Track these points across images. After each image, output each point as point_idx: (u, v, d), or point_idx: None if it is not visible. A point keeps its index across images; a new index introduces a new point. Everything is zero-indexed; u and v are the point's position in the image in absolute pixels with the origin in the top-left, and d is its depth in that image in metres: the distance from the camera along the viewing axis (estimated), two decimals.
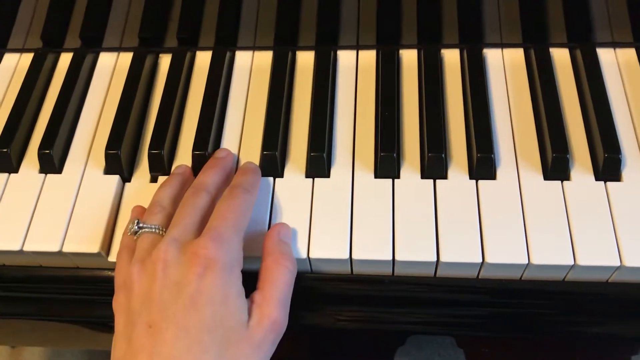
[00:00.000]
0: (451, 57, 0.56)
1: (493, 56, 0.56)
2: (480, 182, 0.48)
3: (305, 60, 0.57)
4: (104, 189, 0.50)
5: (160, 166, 0.51)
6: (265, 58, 0.57)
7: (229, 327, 0.40)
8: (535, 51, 0.55)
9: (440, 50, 0.56)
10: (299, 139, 0.52)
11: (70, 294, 0.51)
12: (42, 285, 0.51)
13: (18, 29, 0.59)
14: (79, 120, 0.55)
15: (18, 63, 0.60)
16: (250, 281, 0.44)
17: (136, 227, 0.44)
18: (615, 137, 0.48)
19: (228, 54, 0.57)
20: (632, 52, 0.55)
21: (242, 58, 0.58)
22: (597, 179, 0.48)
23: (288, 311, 0.43)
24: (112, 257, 0.47)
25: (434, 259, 0.44)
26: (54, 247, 0.47)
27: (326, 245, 0.46)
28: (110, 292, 0.45)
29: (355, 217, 0.47)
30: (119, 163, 0.51)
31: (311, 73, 0.56)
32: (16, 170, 0.52)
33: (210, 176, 0.47)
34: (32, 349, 1.07)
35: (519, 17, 0.55)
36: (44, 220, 0.49)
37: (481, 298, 0.48)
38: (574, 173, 0.48)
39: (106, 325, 0.53)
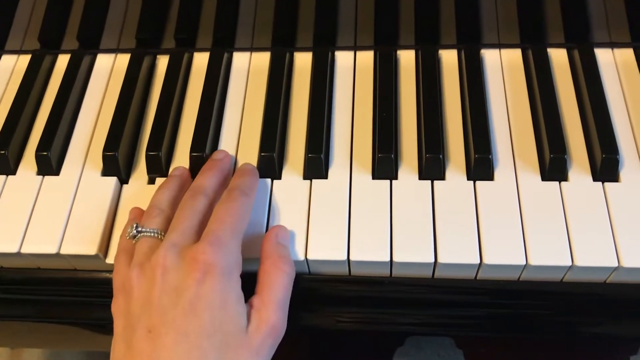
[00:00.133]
0: (449, 58, 0.56)
1: (491, 57, 0.56)
2: (478, 183, 0.48)
3: (302, 61, 0.57)
4: (101, 191, 0.50)
5: (157, 168, 0.51)
6: (262, 59, 0.57)
7: (228, 332, 0.40)
8: (533, 51, 0.55)
9: (437, 51, 0.56)
10: (296, 140, 0.52)
11: (69, 296, 0.51)
12: (40, 287, 0.51)
13: (16, 31, 0.59)
14: (77, 121, 0.55)
15: (16, 64, 0.60)
16: (250, 283, 0.44)
17: (135, 231, 0.44)
18: (613, 138, 0.48)
19: (225, 55, 0.57)
20: (629, 52, 0.55)
21: (240, 59, 0.58)
22: (594, 179, 0.48)
23: (287, 315, 0.43)
24: (110, 259, 0.47)
25: (432, 260, 0.44)
26: (51, 249, 0.47)
27: (324, 246, 0.46)
28: (109, 294, 0.45)
29: (353, 218, 0.47)
30: (116, 165, 0.51)
31: (309, 74, 0.55)
32: (14, 172, 0.52)
33: (208, 179, 0.47)
34: (32, 350, 1.07)
35: (517, 17, 0.55)
36: (42, 222, 0.49)
37: (479, 299, 0.48)
38: (571, 174, 0.48)
39: (105, 327, 0.53)
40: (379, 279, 0.47)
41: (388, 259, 0.45)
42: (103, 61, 0.59)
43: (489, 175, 0.48)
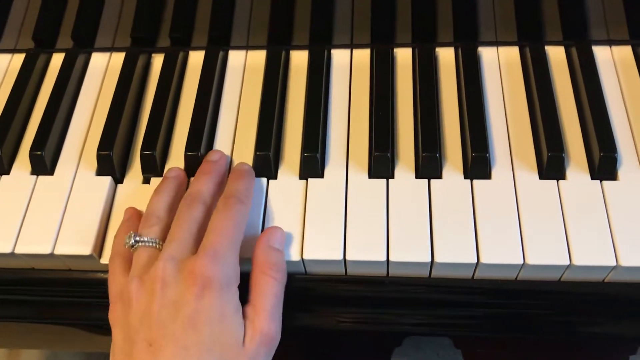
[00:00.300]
0: (446, 56, 0.56)
1: (488, 54, 0.55)
2: (475, 181, 0.47)
3: (299, 59, 0.57)
4: (96, 191, 0.50)
5: (152, 167, 0.50)
6: (258, 57, 0.57)
7: (226, 344, 0.40)
8: (530, 49, 0.54)
9: (434, 49, 0.55)
10: (292, 139, 0.52)
11: (65, 297, 0.51)
12: (36, 288, 0.51)
13: (10, 30, 0.59)
14: (71, 121, 0.55)
15: (10, 64, 0.59)
16: (245, 283, 0.44)
17: (133, 241, 0.44)
18: (611, 136, 0.48)
19: (221, 54, 0.57)
20: (628, 49, 0.55)
21: (235, 58, 0.57)
22: (593, 177, 0.47)
23: (280, 321, 0.44)
24: (105, 259, 0.47)
25: (429, 259, 0.44)
26: (45, 250, 0.47)
27: (320, 246, 0.45)
28: (104, 295, 0.45)
29: (349, 217, 0.46)
30: (111, 164, 0.50)
31: (305, 72, 0.55)
32: (7, 172, 0.52)
33: (204, 184, 0.46)
34: (29, 351, 1.07)
35: (514, 15, 0.55)
36: (36, 222, 0.48)
37: (477, 299, 0.48)
38: (569, 172, 0.48)
39: (101, 327, 0.53)
40: (378, 279, 0.47)
41: (384, 259, 0.44)
42: (98, 60, 0.59)
43: (486, 174, 0.48)
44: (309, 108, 0.52)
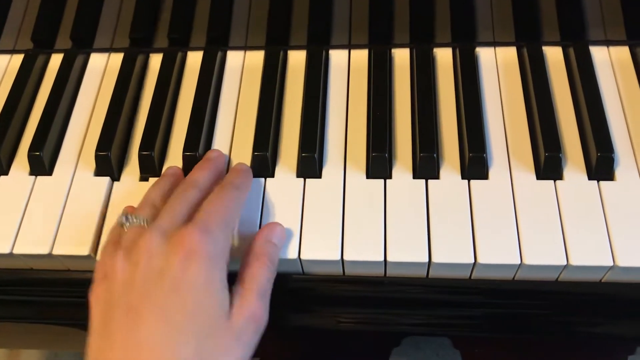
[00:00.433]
0: (444, 56, 0.56)
1: (486, 55, 0.56)
2: (473, 182, 0.48)
3: (296, 59, 0.57)
4: (94, 191, 0.50)
5: (150, 168, 0.51)
6: (256, 58, 0.57)
7: (210, 316, 0.39)
8: (528, 50, 0.54)
9: (432, 49, 0.56)
10: (290, 139, 0.52)
11: (64, 297, 0.51)
12: (35, 288, 0.51)
13: (8, 30, 0.59)
14: (70, 121, 0.55)
15: (8, 64, 0.60)
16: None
17: (124, 219, 0.43)
18: (608, 136, 0.48)
19: (219, 54, 0.57)
20: (625, 50, 0.55)
21: (234, 58, 0.57)
22: (590, 178, 0.48)
23: (268, 306, 0.42)
24: None
25: (426, 259, 0.44)
26: (44, 250, 0.47)
27: (317, 246, 0.45)
28: None
29: (347, 218, 0.46)
30: (109, 165, 0.50)
31: (303, 73, 0.55)
32: (6, 172, 0.52)
33: (201, 174, 0.47)
34: (29, 351, 1.07)
35: (512, 15, 0.55)
36: (34, 222, 0.48)
37: (475, 299, 0.48)
38: (566, 172, 0.48)
39: None
40: (376, 279, 0.47)
41: (382, 259, 0.45)
42: (96, 60, 0.59)
43: (483, 174, 0.48)
44: (307, 108, 0.52)
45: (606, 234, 0.44)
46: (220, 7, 0.57)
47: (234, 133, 0.52)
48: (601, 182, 0.47)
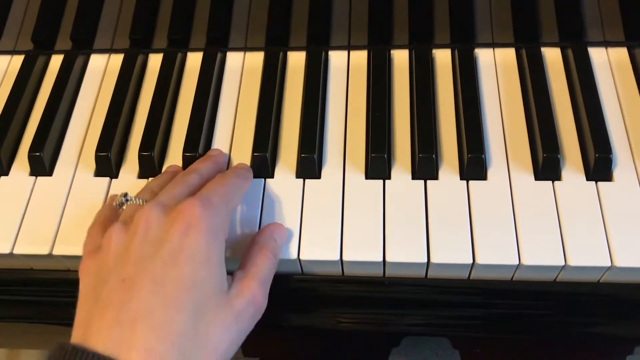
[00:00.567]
0: (442, 57, 0.56)
1: (484, 56, 0.56)
2: (471, 182, 0.48)
3: (296, 60, 0.57)
4: (94, 192, 0.50)
5: (150, 168, 0.51)
6: (256, 59, 0.57)
7: (209, 289, 0.38)
8: (526, 51, 0.54)
9: (431, 51, 0.56)
10: (290, 140, 0.52)
11: (64, 297, 0.51)
12: (34, 288, 0.51)
13: (9, 31, 0.59)
14: (70, 122, 0.55)
15: (9, 65, 0.60)
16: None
17: (123, 199, 0.43)
18: (606, 137, 0.48)
19: (219, 55, 0.57)
20: (623, 51, 0.55)
21: (233, 59, 0.58)
22: (588, 179, 0.48)
23: (267, 296, 0.42)
24: None
25: (425, 260, 0.44)
26: (44, 250, 0.47)
27: (317, 246, 0.46)
28: None
29: (346, 218, 0.46)
30: (109, 165, 0.51)
31: (302, 74, 0.55)
32: (6, 173, 0.52)
33: (202, 164, 0.47)
34: (29, 351, 1.07)
35: (511, 16, 0.55)
36: (35, 223, 0.49)
37: (474, 299, 0.48)
38: (565, 173, 0.48)
39: None
40: (376, 279, 0.47)
41: (381, 259, 0.45)
42: (97, 61, 0.59)
43: (482, 175, 0.48)
44: (306, 109, 0.52)
45: (604, 234, 0.44)
46: (220, 9, 0.57)
47: (233, 134, 0.53)
48: (599, 183, 0.47)
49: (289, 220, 0.47)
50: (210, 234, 0.39)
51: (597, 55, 0.55)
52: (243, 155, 0.51)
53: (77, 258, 0.47)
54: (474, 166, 0.48)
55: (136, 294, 0.36)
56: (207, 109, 0.53)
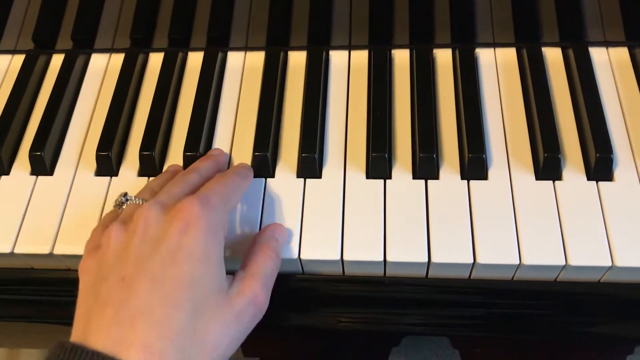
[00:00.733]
0: (443, 57, 0.56)
1: (485, 56, 0.56)
2: (472, 182, 0.48)
3: (297, 60, 0.57)
4: (95, 191, 0.50)
5: (151, 167, 0.51)
6: (257, 59, 0.57)
7: (207, 287, 0.38)
8: (527, 51, 0.55)
9: (432, 50, 0.56)
10: (290, 139, 0.52)
11: (65, 296, 0.51)
12: (35, 288, 0.51)
13: (10, 31, 0.59)
14: (71, 121, 0.55)
15: (10, 64, 0.60)
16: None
17: (123, 199, 0.43)
18: (607, 137, 0.48)
19: (220, 55, 0.57)
20: (624, 51, 0.55)
21: (234, 59, 0.58)
22: (589, 178, 0.48)
23: (269, 295, 0.42)
24: None
25: (426, 259, 0.44)
26: (44, 249, 0.47)
27: (317, 246, 0.46)
28: None
29: (347, 218, 0.46)
30: (110, 165, 0.51)
31: (303, 73, 0.55)
32: (7, 172, 0.52)
33: (202, 163, 0.47)
34: (29, 351, 1.07)
35: (512, 16, 0.55)
36: (35, 222, 0.49)
37: (474, 298, 0.48)
38: (565, 173, 0.48)
39: None
40: (376, 279, 0.47)
41: (382, 259, 0.45)
42: (97, 61, 0.59)
43: (482, 175, 0.48)
44: (307, 109, 0.52)
45: (605, 234, 0.45)
46: (220, 8, 0.57)
47: (234, 133, 0.53)
48: (600, 183, 0.47)
49: (290, 219, 0.47)
50: (209, 233, 0.39)
51: (598, 55, 0.55)
52: (244, 154, 0.51)
53: (77, 257, 0.47)
54: (474, 166, 0.48)
55: (135, 292, 0.36)
56: (208, 108, 0.53)
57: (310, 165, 0.49)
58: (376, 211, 0.47)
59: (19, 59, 0.59)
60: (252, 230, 0.47)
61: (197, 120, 0.52)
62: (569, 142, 0.50)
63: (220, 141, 0.52)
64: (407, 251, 0.45)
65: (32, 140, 0.52)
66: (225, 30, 0.58)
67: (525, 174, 0.48)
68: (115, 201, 0.44)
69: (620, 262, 0.43)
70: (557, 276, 0.45)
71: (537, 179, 0.48)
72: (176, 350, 0.35)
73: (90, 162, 0.52)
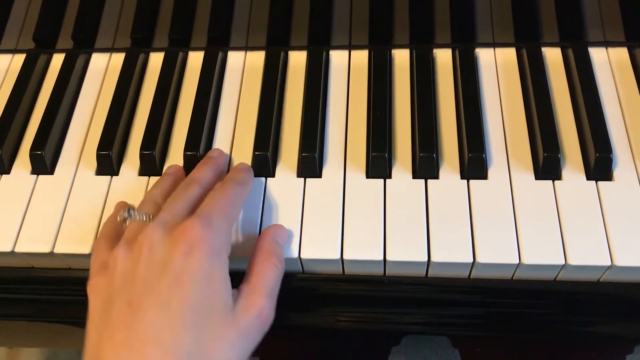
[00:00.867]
0: (443, 57, 0.56)
1: (485, 56, 0.56)
2: (472, 181, 0.48)
3: (297, 60, 0.57)
4: (95, 190, 0.50)
5: (151, 167, 0.51)
6: (257, 58, 0.57)
7: (213, 308, 0.39)
8: (527, 51, 0.55)
9: (432, 50, 0.56)
10: (290, 139, 0.52)
11: (65, 295, 0.51)
12: (35, 287, 0.51)
13: (10, 30, 0.59)
14: (71, 120, 0.55)
15: (10, 64, 0.60)
16: (237, 281, 0.43)
17: (126, 214, 0.43)
18: (606, 137, 0.48)
19: (220, 54, 0.57)
20: (624, 51, 0.55)
21: (235, 58, 0.58)
22: (588, 178, 0.48)
23: (275, 305, 0.43)
24: None
25: (425, 259, 0.44)
26: (45, 248, 0.47)
27: (317, 245, 0.46)
28: None
29: (347, 217, 0.47)
30: (110, 164, 0.51)
31: (303, 73, 0.55)
32: (8, 171, 0.52)
33: (202, 171, 0.47)
34: (29, 349, 1.07)
35: (512, 16, 0.55)
36: (36, 221, 0.49)
37: (474, 298, 0.48)
38: (565, 172, 0.48)
39: None
40: (376, 278, 0.47)
41: (381, 258, 0.45)
42: (98, 60, 0.59)
43: (482, 174, 0.48)
44: (307, 108, 0.52)
45: (604, 233, 0.45)
46: (221, 8, 0.57)
47: (234, 133, 0.53)
48: (599, 183, 0.47)
49: (290, 218, 0.47)
50: (213, 253, 0.40)
51: (598, 55, 0.55)
52: (244, 154, 0.51)
53: (78, 256, 0.47)
54: (474, 165, 0.48)
55: (142, 316, 0.37)
56: (208, 108, 0.53)
57: (311, 164, 0.49)
58: (376, 210, 0.47)
59: (20, 59, 0.59)
60: (252, 229, 0.47)
61: (197, 120, 0.52)
62: (569, 142, 0.50)
63: (221, 140, 0.52)
64: (407, 250, 0.45)
65: (33, 140, 0.52)
66: (226, 30, 0.58)
67: (524, 174, 0.48)
68: (119, 216, 0.44)
69: (619, 262, 0.43)
70: (557, 276, 0.45)
71: (536, 178, 0.48)
72: None
73: (90, 161, 0.52)
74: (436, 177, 0.48)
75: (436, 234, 0.45)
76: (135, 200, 0.48)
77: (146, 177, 0.51)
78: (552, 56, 0.55)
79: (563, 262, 0.44)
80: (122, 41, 0.59)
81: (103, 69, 0.58)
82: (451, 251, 0.44)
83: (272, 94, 0.53)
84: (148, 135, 0.51)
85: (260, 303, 0.41)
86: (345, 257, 0.45)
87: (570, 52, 0.55)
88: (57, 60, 0.59)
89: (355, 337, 0.58)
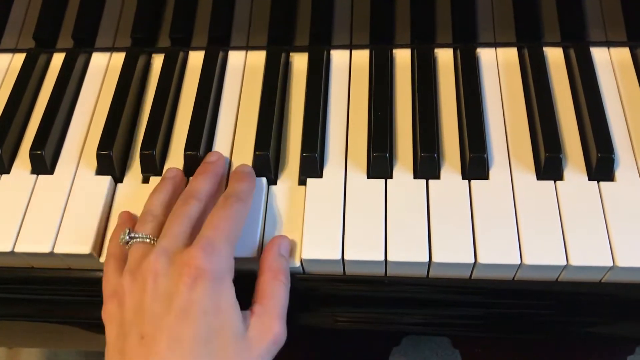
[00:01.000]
0: (445, 57, 0.56)
1: (487, 55, 0.56)
2: (473, 182, 0.48)
3: (298, 60, 0.57)
4: (95, 190, 0.50)
5: (152, 167, 0.51)
6: (258, 58, 0.57)
7: (224, 337, 0.40)
8: (529, 50, 0.54)
9: (433, 50, 0.56)
10: (292, 139, 0.52)
11: (64, 295, 0.51)
12: (35, 287, 0.51)
13: (10, 29, 0.59)
14: (71, 120, 0.55)
15: (10, 63, 0.60)
16: (239, 281, 0.43)
17: (127, 237, 0.44)
18: (608, 137, 0.48)
19: (221, 54, 0.57)
20: (625, 51, 0.55)
21: (235, 58, 0.58)
22: (590, 178, 0.48)
23: (286, 321, 0.43)
24: (104, 258, 0.47)
25: (426, 259, 0.44)
26: (45, 248, 0.47)
27: (318, 245, 0.45)
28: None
29: (348, 217, 0.46)
30: (110, 164, 0.50)
31: (304, 73, 0.55)
32: (8, 171, 0.52)
33: (201, 183, 0.47)
34: (29, 350, 1.07)
35: (513, 16, 0.55)
36: (36, 221, 0.49)
37: (475, 298, 0.48)
38: (567, 173, 0.48)
39: (100, 326, 0.53)
40: (377, 279, 0.47)
41: (382, 258, 0.45)
42: (98, 60, 0.59)
43: (484, 174, 0.48)
44: (308, 108, 0.52)
45: (606, 234, 0.44)
46: (221, 7, 0.57)
47: (235, 132, 0.53)
48: (601, 183, 0.47)
49: (291, 218, 0.47)
50: (216, 282, 0.40)
51: (599, 55, 0.55)
52: (245, 154, 0.51)
53: (77, 256, 0.47)
54: (475, 165, 0.48)
55: (155, 351, 0.38)
56: (209, 107, 0.53)
57: (312, 164, 0.49)
58: (377, 211, 0.47)
59: (20, 58, 0.59)
60: (253, 230, 0.46)
61: (197, 119, 0.52)
62: (570, 142, 0.50)
63: (221, 140, 0.52)
64: (408, 251, 0.45)
65: (33, 139, 0.52)
66: (226, 29, 0.58)
67: (526, 174, 0.48)
68: (120, 239, 0.44)
69: (621, 263, 0.43)
70: (558, 276, 0.45)
71: (538, 178, 0.48)
72: None
73: (90, 161, 0.52)
74: (437, 177, 0.48)
75: (437, 234, 0.45)
76: (136, 202, 0.48)
77: (147, 177, 0.51)
78: (554, 56, 0.55)
79: (565, 263, 0.44)
80: (122, 41, 0.59)
81: (103, 68, 0.58)
82: (452, 252, 0.44)
83: (273, 94, 0.53)
84: (148, 135, 0.51)
85: (275, 329, 0.42)
86: (346, 257, 0.45)
87: (572, 52, 0.54)
88: (58, 59, 0.59)
89: (356, 337, 0.58)
